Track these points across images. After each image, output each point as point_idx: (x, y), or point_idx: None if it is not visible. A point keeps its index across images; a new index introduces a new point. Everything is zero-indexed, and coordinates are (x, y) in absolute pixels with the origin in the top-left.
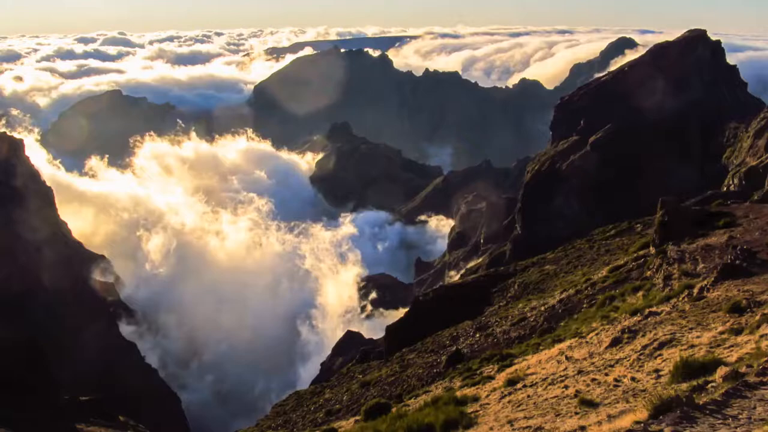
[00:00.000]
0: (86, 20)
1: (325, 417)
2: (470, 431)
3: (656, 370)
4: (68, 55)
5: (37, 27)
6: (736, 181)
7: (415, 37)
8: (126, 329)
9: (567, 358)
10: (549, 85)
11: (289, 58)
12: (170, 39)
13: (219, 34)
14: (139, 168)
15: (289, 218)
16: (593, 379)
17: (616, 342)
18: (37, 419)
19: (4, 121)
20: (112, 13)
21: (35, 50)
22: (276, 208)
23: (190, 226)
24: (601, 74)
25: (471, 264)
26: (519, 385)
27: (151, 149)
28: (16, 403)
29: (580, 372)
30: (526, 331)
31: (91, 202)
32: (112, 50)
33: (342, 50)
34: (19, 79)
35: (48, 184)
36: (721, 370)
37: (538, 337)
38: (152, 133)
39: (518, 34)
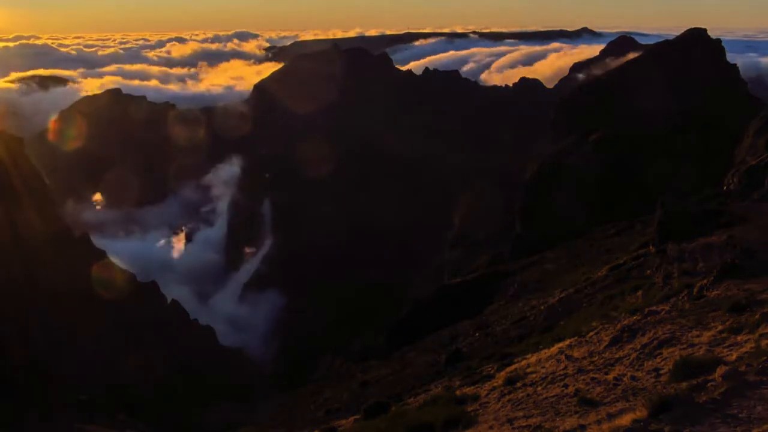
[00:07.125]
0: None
1: (325, 416)
2: (470, 430)
3: (656, 369)
4: (67, 53)
5: (37, 26)
6: (735, 180)
7: (415, 36)
8: None
9: (567, 357)
10: (549, 85)
11: (289, 57)
12: (170, 38)
13: (218, 34)
14: None
15: None
16: (593, 378)
17: (615, 341)
18: (35, 419)
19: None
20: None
21: (33, 49)
22: None
23: None
24: (601, 73)
25: (471, 263)
26: (519, 384)
27: None
28: (15, 403)
29: (579, 371)
30: (525, 329)
31: None
32: (112, 49)
33: (342, 49)
34: (19, 77)
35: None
36: (721, 369)
37: (537, 335)
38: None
39: (519, 34)
